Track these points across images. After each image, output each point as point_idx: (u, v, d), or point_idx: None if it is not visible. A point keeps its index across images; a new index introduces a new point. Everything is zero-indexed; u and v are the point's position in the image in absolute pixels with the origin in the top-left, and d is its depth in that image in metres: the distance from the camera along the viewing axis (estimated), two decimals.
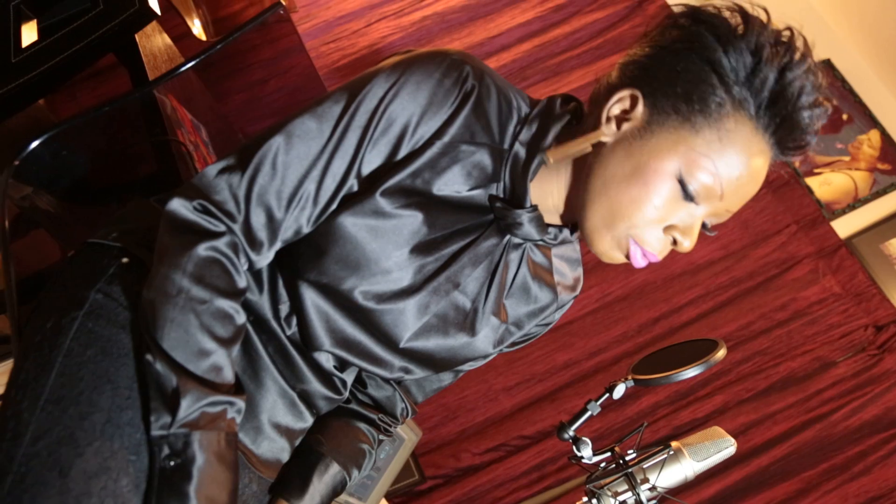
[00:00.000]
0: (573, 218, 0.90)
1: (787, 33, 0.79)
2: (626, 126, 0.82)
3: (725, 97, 0.78)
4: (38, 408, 0.71)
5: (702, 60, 0.79)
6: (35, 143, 0.99)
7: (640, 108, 0.82)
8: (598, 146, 0.84)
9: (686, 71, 0.79)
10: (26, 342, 0.78)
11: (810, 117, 0.79)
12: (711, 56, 0.78)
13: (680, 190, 0.79)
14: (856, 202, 2.72)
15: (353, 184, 0.83)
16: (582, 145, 0.83)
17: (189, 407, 0.70)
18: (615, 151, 0.82)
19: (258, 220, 0.80)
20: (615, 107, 0.84)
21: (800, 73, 0.77)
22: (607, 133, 0.83)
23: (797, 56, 0.78)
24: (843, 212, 2.70)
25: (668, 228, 0.82)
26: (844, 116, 2.82)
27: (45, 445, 0.69)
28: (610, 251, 0.84)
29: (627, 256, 0.84)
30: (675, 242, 0.83)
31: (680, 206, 0.81)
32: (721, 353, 0.89)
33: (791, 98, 0.77)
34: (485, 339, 0.93)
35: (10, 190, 0.94)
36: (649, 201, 0.79)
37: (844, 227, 2.68)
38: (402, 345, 0.87)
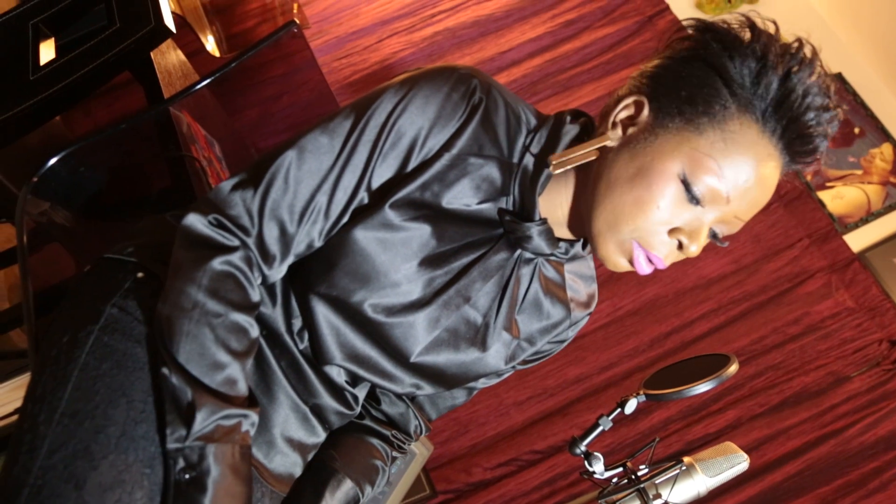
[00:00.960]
0: (582, 229, 0.90)
1: (795, 44, 0.79)
2: (631, 131, 0.83)
3: (730, 100, 0.78)
4: (55, 421, 0.72)
5: (707, 65, 0.79)
6: (53, 160, 1.01)
7: (645, 112, 0.82)
8: (605, 152, 0.84)
9: (691, 75, 0.80)
10: (43, 356, 0.79)
11: (817, 120, 0.78)
12: (717, 61, 0.78)
13: (684, 191, 0.79)
14: (869, 216, 2.70)
15: (363, 197, 0.83)
16: (587, 150, 0.83)
17: (204, 420, 0.71)
18: (620, 155, 0.82)
19: (271, 234, 0.81)
20: (621, 112, 0.84)
21: (805, 76, 0.77)
22: (612, 138, 0.84)
23: (803, 61, 0.78)
24: (856, 225, 2.69)
25: (673, 231, 0.81)
26: (856, 130, 2.82)
27: (61, 458, 0.70)
28: (614, 255, 0.83)
29: (631, 262, 0.83)
30: (681, 247, 0.82)
31: (685, 208, 0.80)
32: (733, 368, 0.88)
33: (796, 100, 0.77)
34: (496, 355, 0.93)
35: (27, 206, 0.95)
36: (653, 202, 0.79)
37: (857, 240, 2.66)
38: (412, 359, 0.87)
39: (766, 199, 0.82)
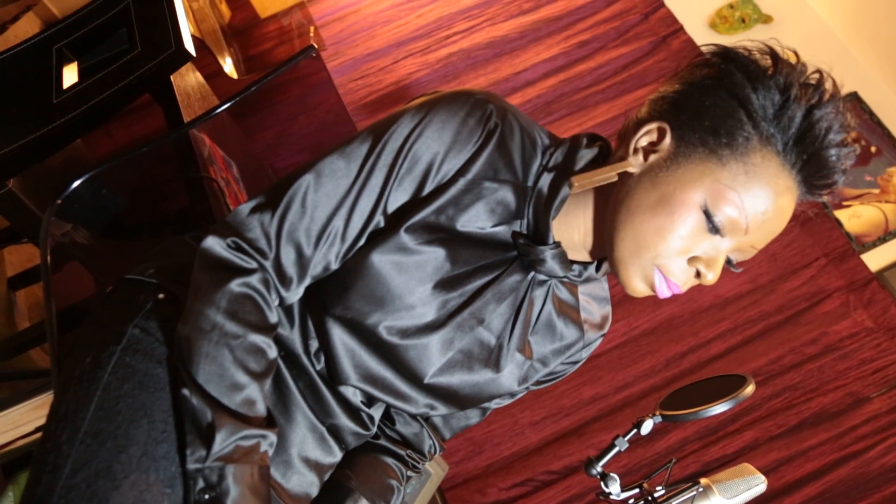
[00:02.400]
0: (600, 252, 0.91)
1: (815, 75, 0.80)
2: (653, 157, 0.83)
3: (753, 132, 0.79)
4: (78, 441, 0.73)
5: (730, 96, 0.79)
6: (77, 183, 1.02)
7: (667, 140, 0.83)
8: (625, 177, 0.85)
9: (714, 105, 0.80)
10: (66, 376, 0.80)
11: (837, 156, 0.79)
12: (740, 92, 0.79)
13: (705, 221, 0.80)
14: (886, 235, 2.69)
15: (379, 220, 0.84)
16: (607, 174, 0.84)
17: (224, 440, 0.72)
18: (641, 182, 0.83)
19: (288, 257, 0.82)
20: (643, 139, 0.85)
21: (828, 111, 0.78)
22: (634, 164, 0.84)
23: (826, 96, 0.79)
24: (874, 245, 2.67)
25: (692, 260, 0.82)
26: (873, 149, 2.81)
27: (84, 478, 0.71)
28: (635, 282, 0.84)
29: (652, 288, 0.84)
30: (698, 275, 0.83)
31: (704, 237, 0.81)
32: (749, 388, 0.88)
33: (819, 136, 0.78)
34: (510, 376, 0.93)
35: (51, 227, 0.97)
36: (674, 231, 0.80)
37: (875, 260, 2.64)
38: (426, 380, 0.88)
39: (781, 228, 0.83)
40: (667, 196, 0.80)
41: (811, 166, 0.79)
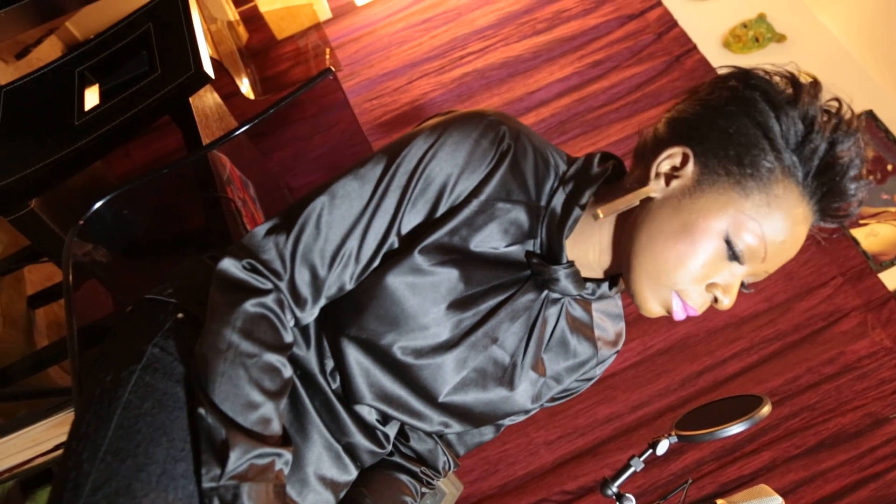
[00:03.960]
0: (615, 271, 0.91)
1: (834, 103, 0.80)
2: (675, 183, 0.83)
3: (776, 163, 0.79)
4: (98, 459, 0.74)
5: (754, 124, 0.80)
6: (99, 204, 1.04)
7: (690, 166, 0.83)
8: (645, 201, 0.85)
9: (738, 133, 0.80)
10: (87, 394, 0.81)
11: (856, 189, 0.80)
12: (764, 121, 0.79)
13: (725, 249, 0.80)
14: None
15: (393, 241, 0.85)
16: (631, 201, 0.84)
17: (238, 459, 0.73)
18: (663, 207, 0.83)
19: (303, 278, 0.83)
20: (665, 163, 0.84)
21: (849, 145, 0.78)
22: (656, 189, 0.84)
23: (848, 128, 0.79)
24: (891, 263, 2.65)
25: (710, 286, 0.83)
26: (889, 167, 2.79)
27: (104, 496, 0.71)
28: (650, 304, 0.85)
29: (668, 311, 0.84)
30: (715, 300, 0.83)
31: (723, 265, 0.82)
32: (766, 409, 0.88)
33: (841, 169, 0.78)
34: (524, 394, 0.94)
35: (72, 248, 0.99)
36: (695, 259, 0.80)
37: (893, 278, 2.62)
38: (440, 399, 0.88)
39: (794, 254, 0.84)
40: (689, 224, 0.81)
41: (830, 198, 0.80)
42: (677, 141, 0.85)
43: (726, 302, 0.82)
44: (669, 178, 0.84)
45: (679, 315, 0.84)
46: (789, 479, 2.28)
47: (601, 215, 0.83)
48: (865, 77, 2.97)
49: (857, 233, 2.69)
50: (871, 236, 2.70)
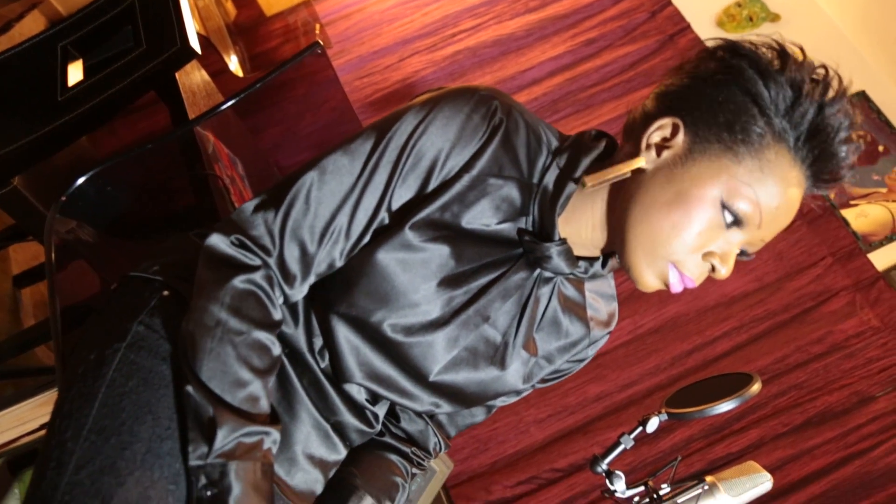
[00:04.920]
0: (609, 247, 0.91)
1: (821, 70, 0.80)
2: (666, 153, 0.83)
3: (766, 128, 0.79)
4: (82, 437, 0.73)
5: (743, 92, 0.80)
6: (81, 180, 1.03)
7: (681, 135, 0.82)
8: (637, 173, 0.85)
9: (728, 101, 0.80)
10: (70, 373, 0.80)
11: (847, 152, 0.80)
12: (752, 88, 0.79)
13: (720, 217, 0.80)
14: (893, 234, 2.67)
15: (384, 217, 0.84)
16: (621, 171, 0.83)
17: (225, 437, 0.72)
18: (655, 178, 0.83)
19: (292, 255, 0.82)
20: (655, 134, 0.84)
21: (838, 108, 0.79)
22: (647, 160, 0.84)
23: (835, 92, 0.79)
24: (881, 244, 2.66)
25: (706, 255, 0.82)
26: (881, 148, 2.79)
27: (88, 474, 0.71)
28: (647, 277, 0.84)
29: (666, 284, 0.84)
30: (712, 269, 0.83)
31: (719, 233, 0.81)
32: (756, 387, 0.88)
33: (830, 133, 0.79)
34: (515, 374, 0.93)
35: (55, 224, 0.97)
36: (690, 227, 0.80)
37: (882, 259, 2.63)
38: (431, 378, 0.88)
39: (790, 221, 0.84)
40: (683, 192, 0.80)
41: (821, 162, 0.80)
42: (667, 112, 0.84)
43: (723, 271, 0.82)
44: (660, 148, 0.84)
45: (676, 287, 0.83)
46: (776, 456, 2.30)
47: (588, 183, 0.83)
48: (859, 58, 2.96)
49: (847, 213, 2.70)
50: (861, 217, 2.70)
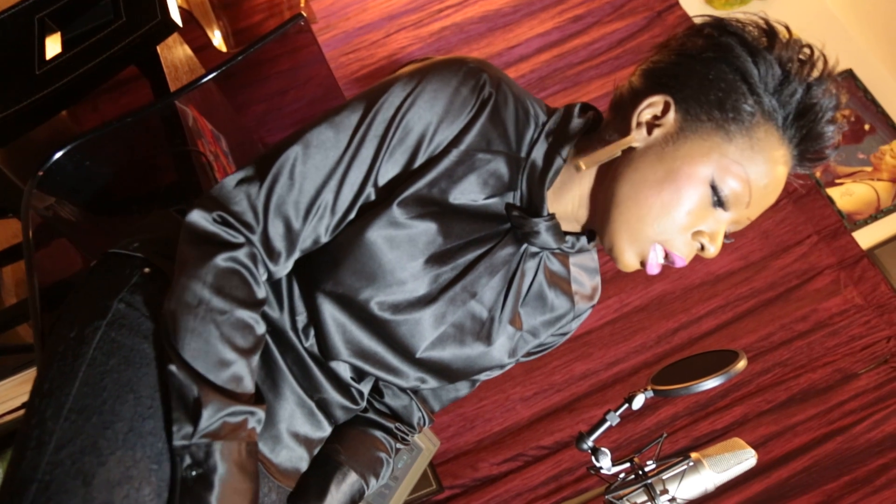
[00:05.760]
0: (591, 224, 0.90)
1: (807, 50, 0.80)
2: (657, 132, 0.83)
3: (756, 107, 0.79)
4: (62, 417, 0.72)
5: (732, 70, 0.80)
6: (59, 154, 1.00)
7: (671, 114, 0.82)
8: (627, 151, 0.84)
9: (718, 79, 0.80)
10: (50, 351, 0.79)
11: (832, 132, 0.81)
12: (742, 66, 0.79)
13: (711, 196, 0.80)
14: (878, 213, 2.69)
15: (370, 193, 0.83)
16: (613, 151, 0.83)
17: (210, 417, 0.71)
18: (646, 156, 0.82)
19: (276, 231, 0.80)
20: (646, 112, 0.84)
21: (825, 88, 0.79)
22: (638, 138, 0.83)
23: (821, 72, 0.80)
24: (866, 222, 2.67)
25: (696, 234, 0.82)
26: (866, 127, 2.80)
27: (69, 454, 0.70)
28: (627, 256, 0.84)
29: (643, 263, 0.84)
30: (701, 248, 0.83)
31: (708, 212, 0.81)
32: (742, 363, 0.88)
33: (818, 112, 0.79)
34: (500, 348, 0.93)
35: (33, 200, 0.95)
36: (680, 206, 0.80)
37: (866, 237, 2.65)
38: (418, 355, 0.87)
39: (775, 199, 0.84)
40: (674, 171, 0.80)
41: (808, 141, 0.81)
42: (656, 90, 0.84)
43: (712, 250, 0.82)
44: (651, 126, 0.83)
45: (652, 269, 0.83)
46: (760, 433, 2.33)
47: (583, 167, 0.83)
48: (847, 36, 2.96)
49: (832, 192, 2.71)
50: (846, 195, 2.72)
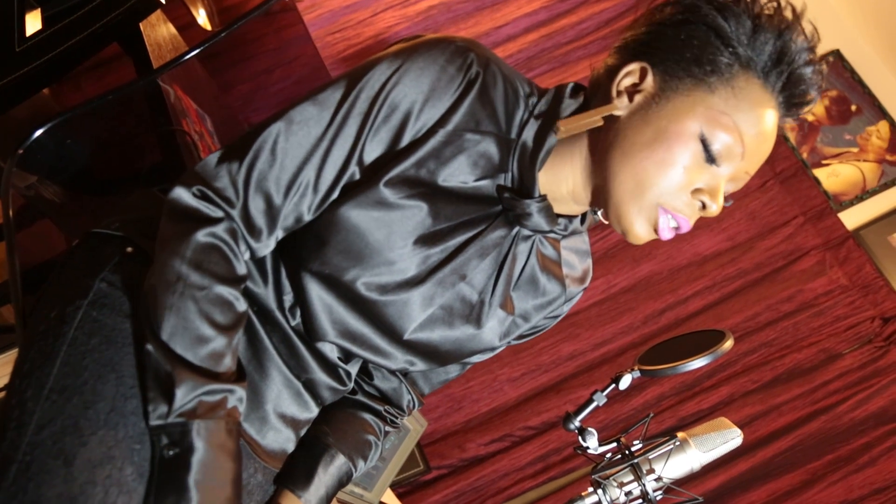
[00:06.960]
0: (594, 203, 0.89)
1: (773, 3, 0.82)
2: (638, 97, 0.83)
3: (733, 58, 0.80)
4: (43, 397, 0.71)
5: (703, 28, 0.81)
6: (39, 132, 0.99)
7: (650, 78, 0.83)
8: (611, 121, 0.84)
9: (691, 38, 0.81)
10: (30, 331, 0.78)
11: (812, 73, 0.82)
12: (712, 22, 0.80)
13: (703, 151, 0.80)
14: (864, 194, 2.70)
15: (354, 171, 0.82)
16: (593, 117, 0.83)
17: (185, 396, 0.70)
18: (631, 122, 0.82)
19: (257, 207, 0.79)
20: (625, 80, 0.84)
21: (796, 33, 0.81)
22: (620, 106, 0.83)
23: (791, 19, 0.81)
24: (851, 203, 2.68)
25: (695, 192, 0.82)
26: (853, 107, 2.80)
27: (50, 434, 0.69)
28: (637, 226, 0.83)
29: (656, 229, 0.83)
30: (703, 207, 0.83)
31: (704, 168, 0.81)
32: (728, 343, 0.88)
33: (794, 55, 0.80)
34: (491, 332, 0.93)
35: (15, 179, 0.94)
36: (674, 164, 0.80)
37: (852, 218, 2.66)
38: (406, 337, 0.87)
39: (769, 151, 0.84)
40: (662, 130, 0.80)
41: (791, 85, 0.82)
42: (632, 60, 0.85)
43: (714, 207, 0.82)
44: (632, 94, 0.84)
45: (665, 233, 0.83)
46: (745, 412, 2.35)
47: (561, 128, 0.82)
48: (834, 16, 2.95)
49: (819, 173, 2.71)
50: (832, 176, 2.72)
